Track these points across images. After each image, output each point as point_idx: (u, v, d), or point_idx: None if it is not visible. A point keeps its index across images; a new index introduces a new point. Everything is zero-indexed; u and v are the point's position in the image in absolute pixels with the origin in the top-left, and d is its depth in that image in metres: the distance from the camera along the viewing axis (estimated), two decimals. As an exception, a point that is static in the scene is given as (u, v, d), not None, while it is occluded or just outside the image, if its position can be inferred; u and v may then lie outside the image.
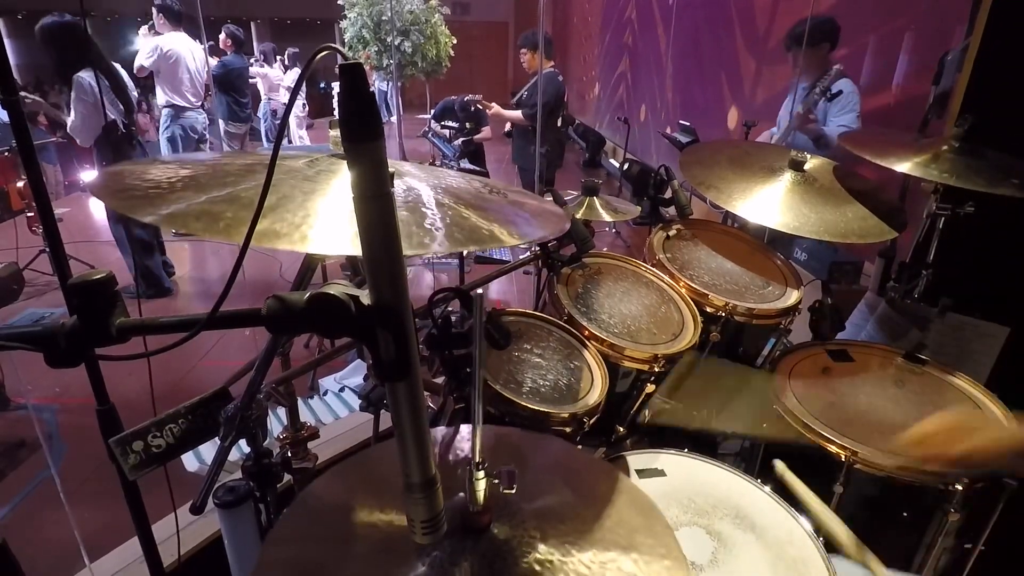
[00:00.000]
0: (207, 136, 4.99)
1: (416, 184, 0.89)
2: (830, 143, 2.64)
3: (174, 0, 4.43)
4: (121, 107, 3.68)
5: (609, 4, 8.69)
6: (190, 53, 4.55)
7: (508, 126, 5.06)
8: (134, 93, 3.94)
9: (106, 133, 3.66)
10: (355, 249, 0.65)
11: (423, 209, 0.80)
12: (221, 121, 6.01)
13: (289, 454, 1.19)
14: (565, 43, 11.67)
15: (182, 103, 4.58)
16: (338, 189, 0.77)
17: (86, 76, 3.55)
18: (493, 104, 4.87)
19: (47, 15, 3.49)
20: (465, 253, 2.93)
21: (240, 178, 0.79)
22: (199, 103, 4.76)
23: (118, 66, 3.92)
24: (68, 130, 3.67)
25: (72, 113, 3.63)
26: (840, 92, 2.68)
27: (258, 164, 0.86)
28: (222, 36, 6.09)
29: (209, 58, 4.85)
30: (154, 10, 4.41)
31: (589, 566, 0.69)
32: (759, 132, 3.42)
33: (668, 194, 1.87)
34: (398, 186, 0.84)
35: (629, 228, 5.69)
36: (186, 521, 1.49)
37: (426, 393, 0.74)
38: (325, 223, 0.70)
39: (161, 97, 4.64)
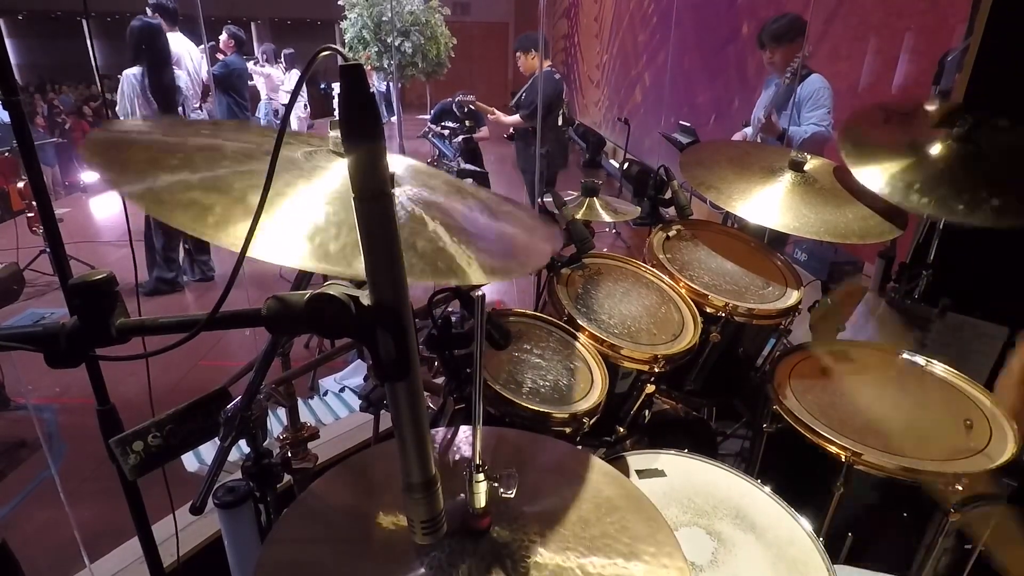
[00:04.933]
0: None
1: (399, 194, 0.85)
2: (791, 144, 2.71)
3: None
4: (155, 106, 4.08)
5: (620, 3, 8.58)
6: (188, 54, 4.53)
7: (511, 129, 5.05)
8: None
9: None
10: (337, 265, 0.63)
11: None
12: (223, 124, 5.98)
13: (289, 454, 1.19)
14: (571, 43, 11.60)
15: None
16: (335, 189, 0.75)
17: (129, 73, 4.02)
18: (494, 110, 4.85)
19: (136, 17, 4.06)
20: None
21: (235, 163, 0.76)
22: (197, 104, 4.75)
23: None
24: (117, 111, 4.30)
25: (119, 102, 4.20)
26: (809, 74, 2.78)
27: (255, 149, 0.83)
28: (223, 37, 6.03)
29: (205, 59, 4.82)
30: (148, 10, 4.33)
31: (589, 571, 0.69)
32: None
33: (668, 195, 1.87)
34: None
35: (629, 229, 5.69)
36: (186, 521, 1.49)
37: (426, 393, 0.74)
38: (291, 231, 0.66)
39: None
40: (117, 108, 4.21)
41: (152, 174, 0.69)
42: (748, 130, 3.18)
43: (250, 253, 0.58)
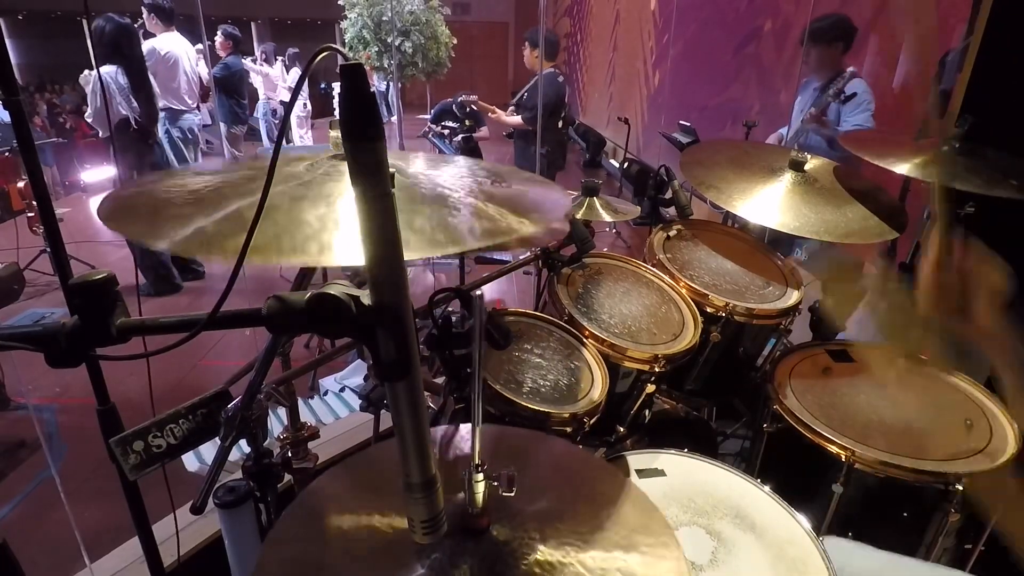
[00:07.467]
0: (201, 138, 4.98)
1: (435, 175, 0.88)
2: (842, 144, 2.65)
3: None
4: (136, 106, 3.93)
5: (625, 1, 8.43)
6: (185, 54, 4.51)
7: (511, 128, 5.03)
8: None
9: (119, 129, 3.95)
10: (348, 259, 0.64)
11: (449, 205, 0.80)
12: (223, 124, 5.98)
13: (289, 454, 1.19)
14: (573, 42, 11.54)
15: (178, 106, 4.53)
16: (334, 198, 0.76)
17: (105, 72, 3.83)
18: (495, 108, 4.84)
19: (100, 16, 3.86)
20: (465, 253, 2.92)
21: (242, 187, 0.78)
22: (195, 104, 4.73)
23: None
24: (85, 116, 4.14)
25: (90, 103, 4.01)
26: (854, 94, 2.68)
27: (259, 174, 0.85)
28: (219, 38, 6.01)
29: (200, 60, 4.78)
30: (144, 10, 4.26)
31: (590, 567, 0.69)
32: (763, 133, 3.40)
33: (668, 194, 1.87)
34: (422, 181, 0.84)
35: (629, 228, 5.69)
36: (186, 521, 1.49)
37: (426, 393, 0.74)
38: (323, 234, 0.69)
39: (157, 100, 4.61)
40: (89, 111, 4.05)
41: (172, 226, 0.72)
42: (783, 130, 3.13)
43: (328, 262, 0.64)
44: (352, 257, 0.66)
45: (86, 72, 4.13)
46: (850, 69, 2.62)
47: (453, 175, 0.94)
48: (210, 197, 0.78)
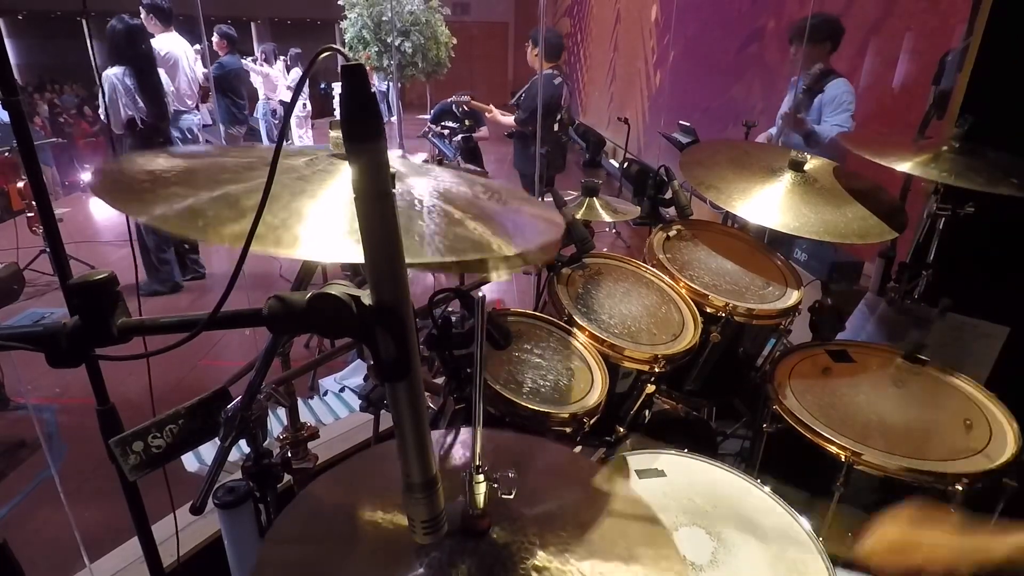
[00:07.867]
0: (201, 138, 4.98)
1: (412, 186, 0.87)
2: (820, 140, 2.66)
3: None
4: (142, 106, 3.99)
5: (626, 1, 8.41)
6: (184, 55, 4.51)
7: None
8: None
9: (127, 128, 4.02)
10: (344, 255, 0.63)
11: (413, 213, 0.78)
12: (222, 125, 5.98)
13: (289, 454, 1.19)
14: (574, 41, 11.51)
15: (178, 107, 4.54)
16: (332, 191, 0.75)
17: (111, 73, 3.90)
18: (490, 108, 4.84)
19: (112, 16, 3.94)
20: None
21: (236, 174, 0.77)
22: (194, 105, 4.73)
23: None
24: (99, 113, 4.32)
25: (100, 104, 4.15)
26: (834, 77, 2.69)
27: (258, 161, 0.84)
28: (215, 38, 5.99)
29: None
30: (142, 11, 4.25)
31: (587, 572, 0.69)
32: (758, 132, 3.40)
33: (668, 194, 1.87)
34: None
35: (629, 228, 5.68)
36: (186, 521, 1.49)
37: (426, 393, 0.74)
38: (316, 226, 0.67)
39: None
40: (100, 110, 4.23)
41: (165, 199, 0.69)
42: (772, 130, 3.15)
43: (302, 256, 0.62)
44: (349, 254, 0.64)
45: (106, 71, 4.19)
46: (818, 65, 2.62)
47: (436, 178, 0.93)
48: (204, 177, 0.76)
